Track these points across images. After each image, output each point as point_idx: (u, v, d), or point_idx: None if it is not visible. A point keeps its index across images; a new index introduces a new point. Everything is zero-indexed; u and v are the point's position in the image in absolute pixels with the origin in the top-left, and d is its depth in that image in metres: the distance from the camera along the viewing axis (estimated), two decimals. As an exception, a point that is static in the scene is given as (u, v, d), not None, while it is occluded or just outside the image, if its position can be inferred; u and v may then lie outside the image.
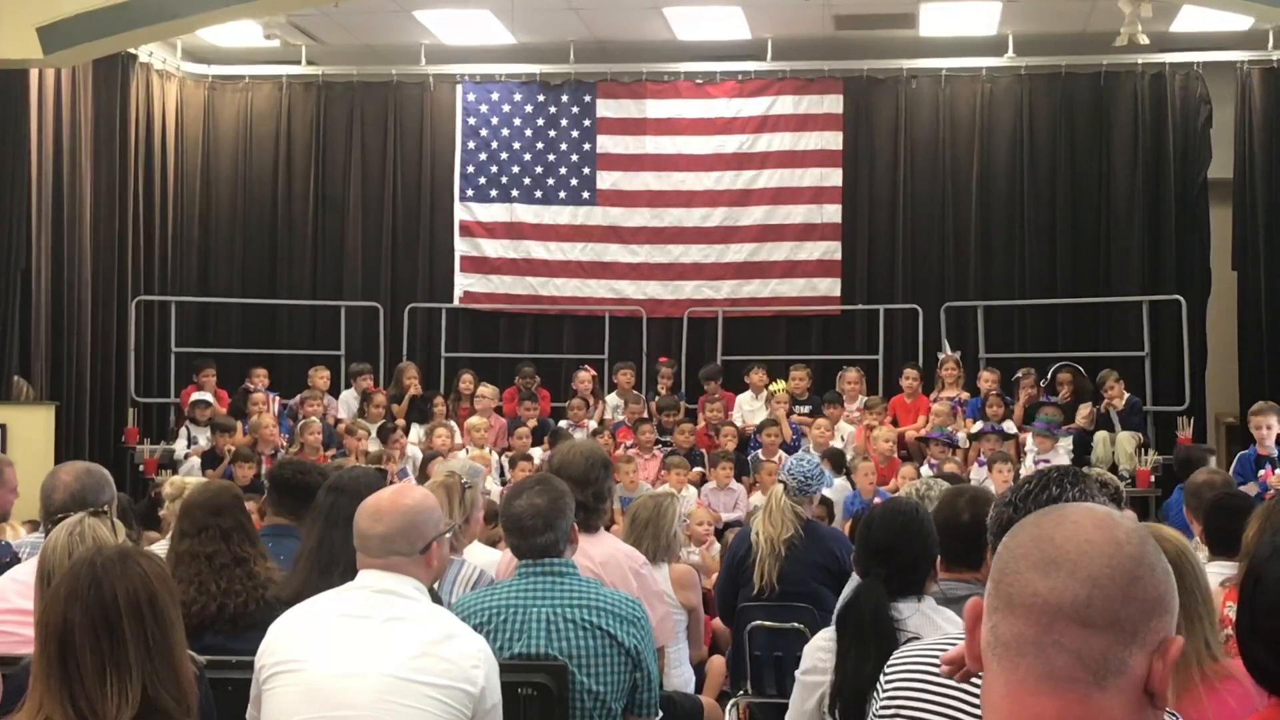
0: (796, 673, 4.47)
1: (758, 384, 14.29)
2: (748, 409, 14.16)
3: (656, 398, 14.42)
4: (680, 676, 6.49)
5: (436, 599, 4.39)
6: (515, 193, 16.45)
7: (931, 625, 4.35)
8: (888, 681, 3.11)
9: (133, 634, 3.00)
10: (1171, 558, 3.70)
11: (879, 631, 4.20)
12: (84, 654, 2.97)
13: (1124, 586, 1.80)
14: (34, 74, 13.57)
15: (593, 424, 13.83)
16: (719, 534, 10.58)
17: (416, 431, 13.65)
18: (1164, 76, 15.45)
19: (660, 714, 4.95)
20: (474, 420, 13.37)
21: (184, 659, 3.11)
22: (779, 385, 14.03)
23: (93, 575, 3.06)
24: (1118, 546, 1.83)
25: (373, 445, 12.96)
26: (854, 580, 5.75)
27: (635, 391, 14.50)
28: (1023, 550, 1.86)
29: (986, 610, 1.90)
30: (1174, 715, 2.77)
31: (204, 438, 13.28)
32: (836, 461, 11.96)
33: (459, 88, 16.55)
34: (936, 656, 3.09)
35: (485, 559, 5.97)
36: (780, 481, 7.17)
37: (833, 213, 16.09)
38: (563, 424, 13.81)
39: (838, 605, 4.58)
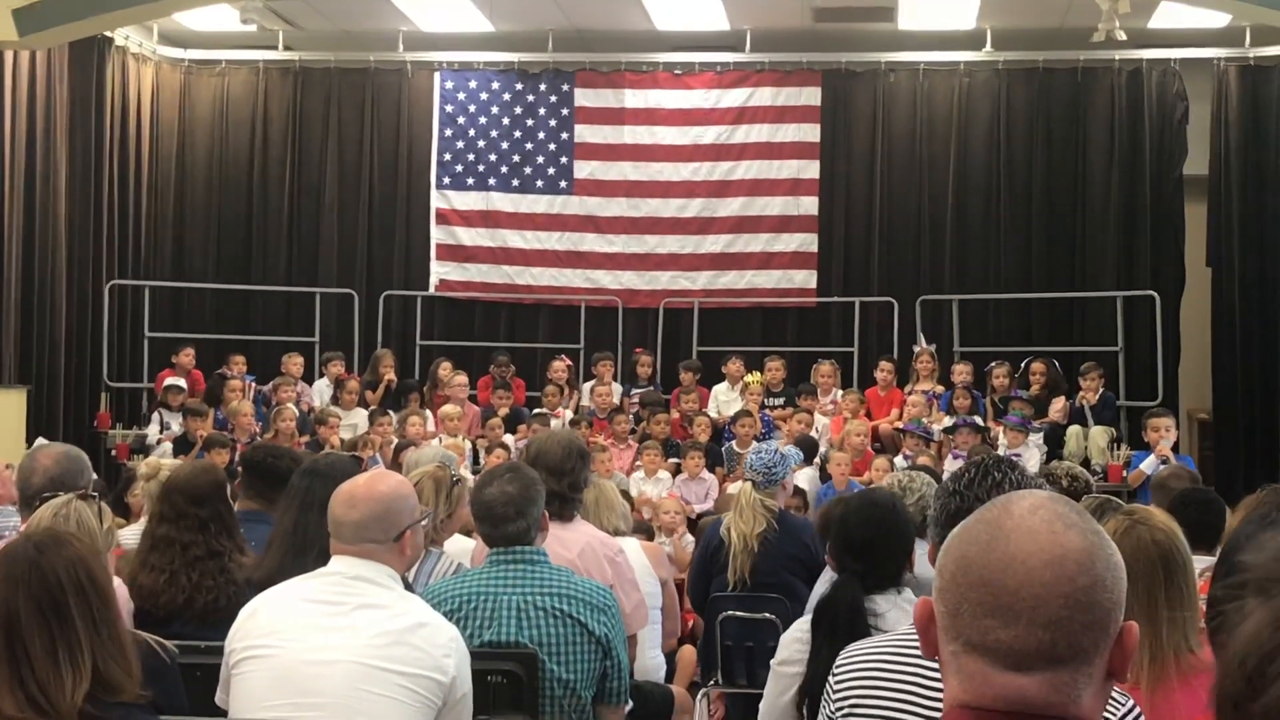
0: (772, 663, 4.45)
1: (734, 374, 14.29)
2: (723, 399, 14.16)
3: (633, 388, 14.41)
4: (653, 660, 6.49)
5: (409, 587, 4.38)
6: (492, 181, 16.42)
7: (909, 618, 4.30)
8: (838, 681, 3.09)
9: (79, 611, 3.00)
10: (1164, 548, 3.74)
11: (854, 628, 4.20)
12: (32, 637, 2.95)
13: (1083, 620, 1.80)
14: (9, 56, 13.50)
15: (568, 413, 13.81)
16: (691, 525, 10.59)
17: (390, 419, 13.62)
18: (1141, 72, 15.51)
19: (630, 703, 4.96)
20: (448, 409, 13.34)
21: (126, 632, 3.11)
22: (754, 377, 14.04)
23: (31, 559, 3.05)
24: (1071, 583, 1.81)
25: (346, 433, 12.94)
26: (827, 573, 5.75)
27: (608, 385, 14.40)
28: (975, 595, 1.84)
29: (942, 635, 1.89)
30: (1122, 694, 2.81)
31: (176, 423, 13.23)
32: (807, 449, 11.86)
33: (437, 75, 16.52)
34: (886, 653, 3.09)
35: (460, 548, 5.96)
36: (747, 480, 7.17)
37: (809, 205, 16.11)
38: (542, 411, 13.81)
39: (815, 600, 4.57)
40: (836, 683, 3.09)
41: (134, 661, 3.08)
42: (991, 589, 1.82)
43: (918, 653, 2.99)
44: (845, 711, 3.02)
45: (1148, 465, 11.59)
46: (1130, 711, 2.80)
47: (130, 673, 3.04)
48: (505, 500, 4.78)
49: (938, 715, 2.78)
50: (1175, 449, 12.09)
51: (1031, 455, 12.10)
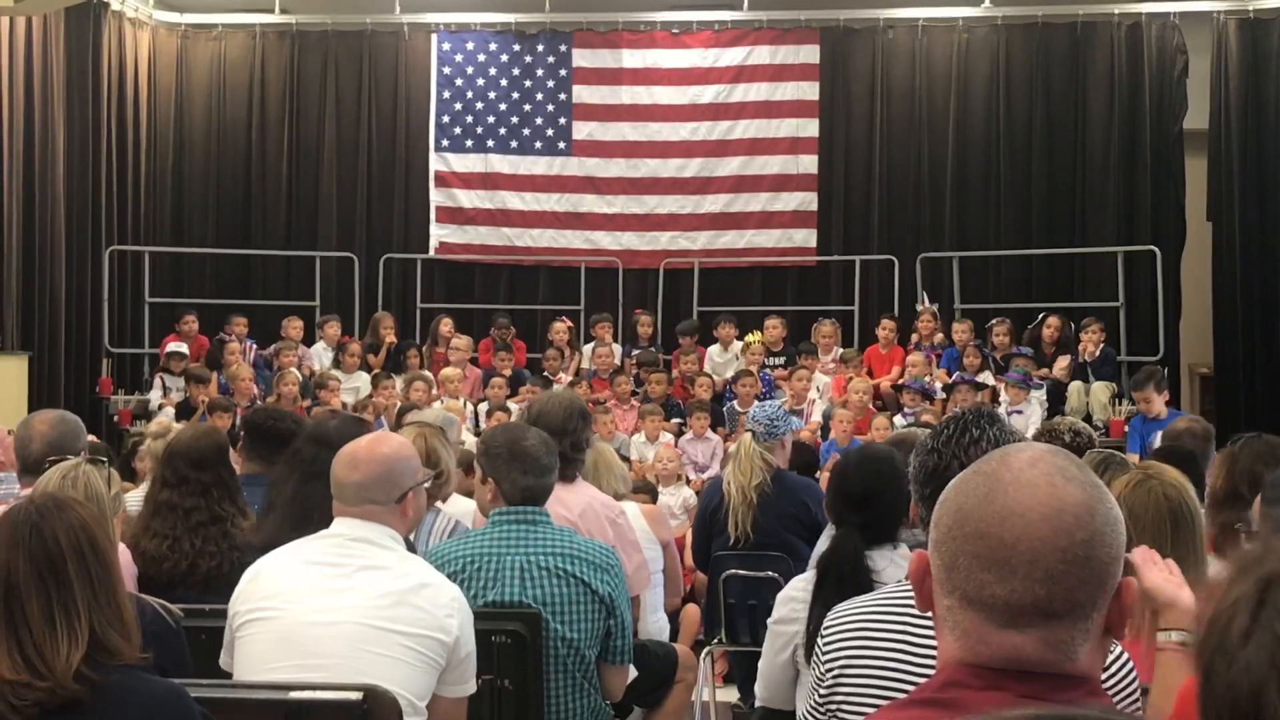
0: (769, 621, 4.45)
1: (726, 338, 14.29)
2: (718, 360, 14.15)
3: (635, 350, 14.39)
4: (656, 623, 6.50)
5: (411, 548, 4.39)
6: (491, 143, 16.38)
7: (903, 574, 4.29)
8: (827, 643, 3.07)
9: (77, 575, 3.00)
10: (1174, 504, 3.77)
11: (856, 582, 4.19)
12: (30, 600, 2.97)
13: (1080, 574, 1.80)
14: (4, 22, 13.46)
15: (567, 376, 13.81)
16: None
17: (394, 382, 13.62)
18: (1140, 27, 15.45)
19: (634, 671, 4.97)
20: (448, 371, 13.33)
21: (125, 597, 3.12)
22: (754, 336, 14.03)
23: (32, 522, 3.06)
24: (1069, 536, 1.80)
25: (347, 396, 12.93)
26: (830, 530, 5.73)
27: (609, 346, 14.38)
28: (971, 548, 1.83)
29: (938, 589, 1.89)
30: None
31: (178, 388, 13.24)
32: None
33: (434, 37, 16.45)
34: (873, 612, 3.08)
35: (461, 509, 5.97)
36: (748, 430, 7.16)
37: (809, 163, 16.07)
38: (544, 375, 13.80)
39: (816, 555, 4.57)
40: (825, 644, 3.08)
41: (133, 627, 3.09)
42: (988, 541, 1.81)
43: (906, 609, 2.99)
44: (836, 673, 3.01)
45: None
46: (1120, 659, 2.80)
47: (129, 638, 3.05)
48: (548, 450, 4.87)
49: (929, 672, 2.79)
50: (1177, 405, 12.06)
51: (1033, 411, 12.12)
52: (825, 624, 3.13)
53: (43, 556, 3.02)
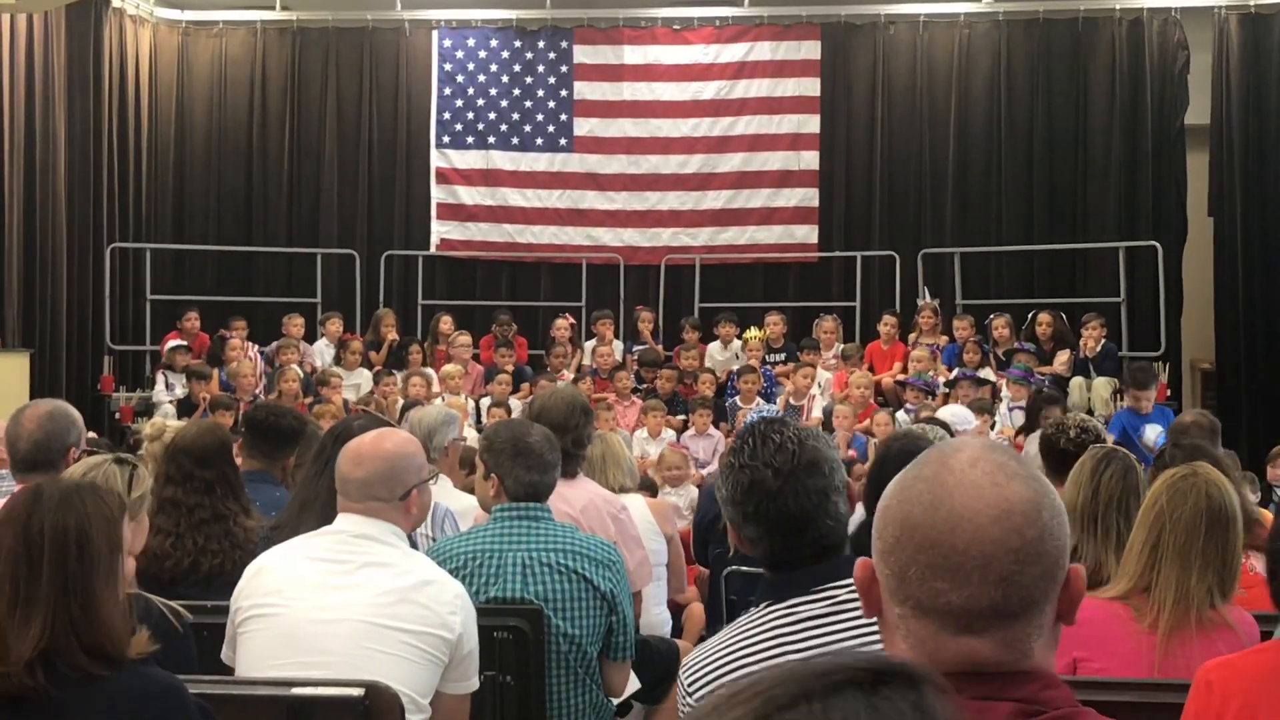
0: None
1: (726, 336, 14.27)
2: (718, 358, 14.13)
3: (637, 347, 14.38)
4: (658, 616, 6.49)
5: (413, 544, 4.38)
6: (492, 139, 16.37)
7: None
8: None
9: (50, 571, 2.96)
10: (1214, 503, 3.78)
11: None
12: (2, 582, 2.96)
13: (1033, 572, 1.79)
14: (5, 19, 13.46)
15: (569, 373, 13.80)
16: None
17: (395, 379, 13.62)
18: (1141, 22, 15.44)
19: (633, 656, 4.96)
20: (450, 368, 13.32)
21: (107, 606, 3.03)
22: (754, 332, 14.02)
23: (30, 505, 3.04)
24: (1020, 536, 1.79)
25: (349, 393, 12.93)
26: (861, 515, 5.70)
27: (610, 344, 14.36)
28: (923, 557, 1.80)
29: (888, 597, 1.86)
30: None
31: (181, 385, 13.23)
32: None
33: (435, 33, 16.45)
34: (792, 631, 2.93)
35: (464, 505, 5.96)
36: None
37: (810, 159, 16.06)
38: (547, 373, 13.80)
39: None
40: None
41: (110, 638, 3.02)
42: (940, 549, 1.80)
43: (846, 619, 2.89)
44: None
45: (1152, 434, 11.31)
46: None
47: (97, 650, 2.98)
48: (551, 447, 4.87)
49: None
50: (1179, 400, 12.02)
51: (1034, 407, 12.09)
52: (690, 674, 2.96)
53: (22, 542, 2.99)
